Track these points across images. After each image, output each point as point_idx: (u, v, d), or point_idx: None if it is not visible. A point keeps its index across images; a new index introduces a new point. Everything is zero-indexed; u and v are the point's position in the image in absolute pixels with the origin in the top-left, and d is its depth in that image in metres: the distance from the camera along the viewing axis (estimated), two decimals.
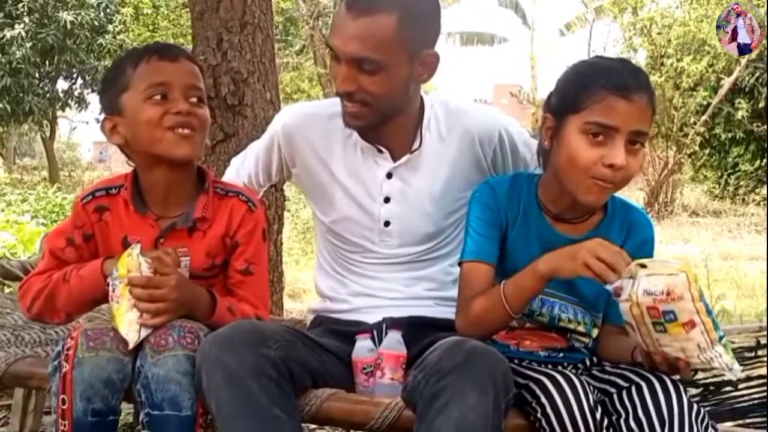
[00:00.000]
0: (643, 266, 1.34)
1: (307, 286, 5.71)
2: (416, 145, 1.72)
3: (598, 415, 1.33)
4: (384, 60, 1.56)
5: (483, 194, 1.59)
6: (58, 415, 1.39)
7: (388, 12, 1.54)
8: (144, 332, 1.44)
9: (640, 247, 1.56)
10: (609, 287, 1.36)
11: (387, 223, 1.74)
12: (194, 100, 1.55)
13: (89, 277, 1.55)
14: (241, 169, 1.90)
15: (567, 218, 1.56)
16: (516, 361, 1.53)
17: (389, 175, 1.73)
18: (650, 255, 1.58)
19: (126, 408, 2.55)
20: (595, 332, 1.60)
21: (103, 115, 1.63)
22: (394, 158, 1.72)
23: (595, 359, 1.60)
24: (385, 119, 1.66)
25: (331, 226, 1.79)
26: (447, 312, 1.69)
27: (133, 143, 1.58)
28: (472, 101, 2.00)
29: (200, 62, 1.66)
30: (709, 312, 1.31)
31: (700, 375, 1.43)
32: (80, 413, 1.37)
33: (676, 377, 1.38)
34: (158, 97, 1.53)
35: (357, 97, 1.60)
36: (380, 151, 1.72)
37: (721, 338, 1.33)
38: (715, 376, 1.42)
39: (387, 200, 1.73)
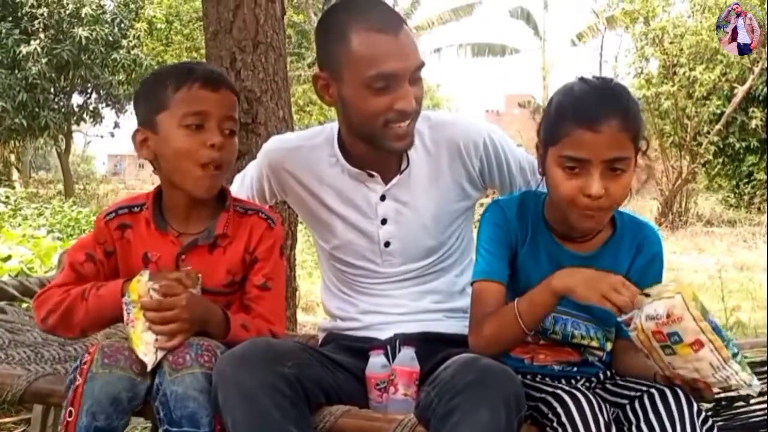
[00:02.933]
0: (647, 295, 1.36)
1: (320, 299, 5.72)
2: (404, 164, 1.73)
3: (613, 430, 1.34)
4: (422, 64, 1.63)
5: (493, 214, 1.61)
6: (62, 427, 1.41)
7: (404, 23, 1.62)
8: (161, 353, 1.46)
9: (650, 263, 1.58)
10: (620, 319, 1.38)
11: (387, 244, 1.75)
12: (228, 131, 1.57)
13: (108, 297, 1.57)
14: (241, 190, 1.91)
15: (574, 237, 1.57)
16: (529, 376, 1.55)
17: (383, 198, 1.74)
18: (660, 270, 1.59)
19: (142, 423, 2.58)
20: (608, 346, 1.61)
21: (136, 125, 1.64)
22: (385, 180, 1.74)
23: (609, 372, 1.60)
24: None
25: (333, 252, 1.81)
26: (458, 325, 1.71)
27: (160, 162, 1.60)
28: (455, 112, 2.05)
29: (237, 90, 1.66)
30: (717, 330, 1.32)
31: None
32: (82, 429, 1.39)
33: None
34: (194, 126, 1.54)
35: (416, 111, 1.64)
36: (371, 176, 1.73)
37: (735, 355, 1.33)
38: (725, 390, 1.42)
39: (384, 222, 1.75)
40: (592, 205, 1.44)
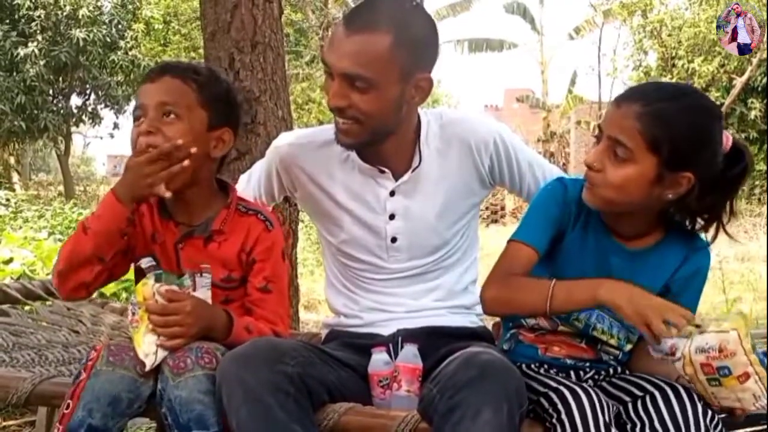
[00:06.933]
0: (698, 326, 1.34)
1: (322, 297, 5.72)
2: (416, 162, 1.74)
3: (613, 430, 1.35)
4: (375, 78, 1.57)
5: (555, 189, 1.58)
6: (58, 418, 1.42)
7: (384, 32, 1.57)
8: (161, 354, 1.47)
9: (693, 275, 1.56)
10: (663, 347, 1.35)
11: (394, 239, 1.76)
12: (166, 118, 1.55)
13: (107, 209, 1.54)
14: (247, 189, 1.92)
15: (621, 232, 1.55)
16: (536, 364, 1.56)
17: (392, 193, 1.75)
18: (701, 285, 1.58)
19: (148, 423, 2.59)
20: (628, 347, 1.59)
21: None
22: (396, 177, 1.74)
23: (619, 369, 1.60)
24: (377, 138, 1.67)
25: (340, 247, 1.82)
26: (460, 320, 1.73)
27: None
28: (466, 110, 2.06)
29: (201, 77, 1.62)
30: (762, 361, 1.32)
31: None
32: (75, 423, 1.39)
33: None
34: (136, 121, 1.57)
35: (348, 114, 1.62)
36: (382, 171, 1.74)
37: None
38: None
39: (392, 217, 1.76)
40: (588, 175, 1.48)
